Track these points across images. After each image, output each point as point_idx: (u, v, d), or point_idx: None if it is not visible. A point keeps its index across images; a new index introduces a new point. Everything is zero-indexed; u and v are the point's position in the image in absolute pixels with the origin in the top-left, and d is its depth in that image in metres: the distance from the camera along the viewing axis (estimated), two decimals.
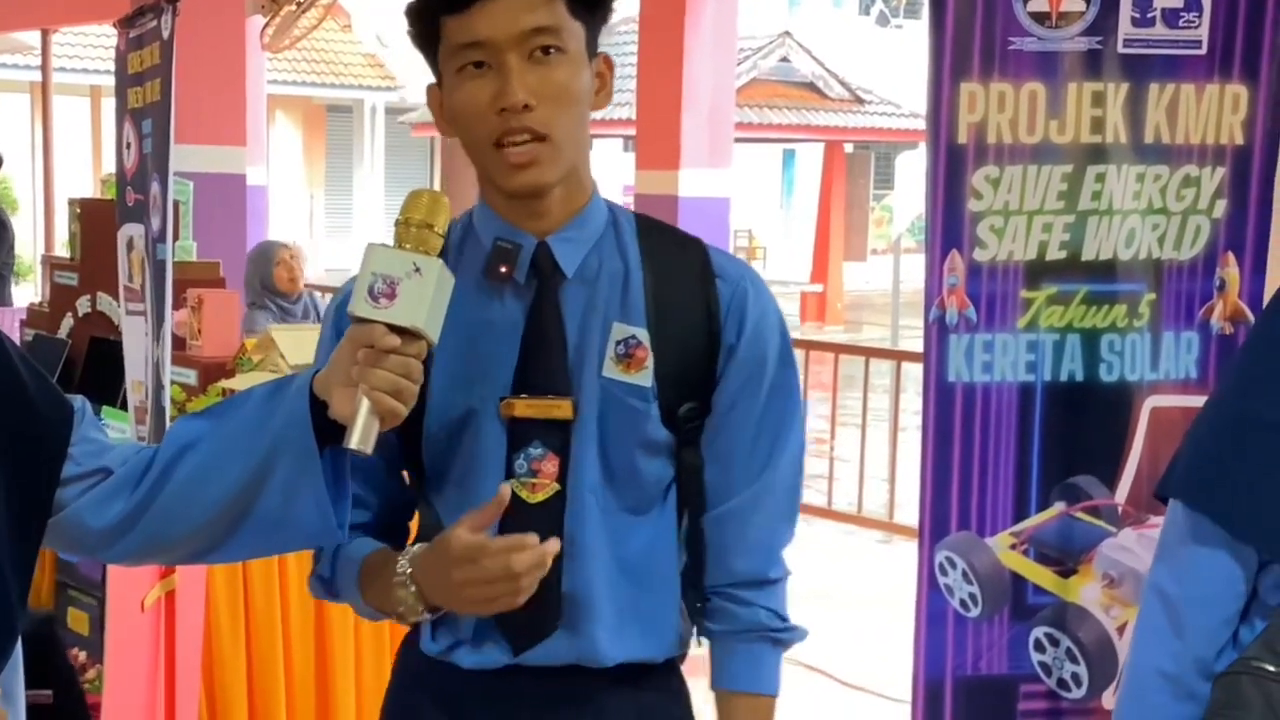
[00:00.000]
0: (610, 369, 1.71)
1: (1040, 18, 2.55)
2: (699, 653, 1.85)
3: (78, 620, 3.90)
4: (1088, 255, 2.62)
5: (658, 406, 1.71)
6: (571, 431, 1.70)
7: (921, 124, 2.82)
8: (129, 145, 3.91)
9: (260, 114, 10.65)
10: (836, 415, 8.58)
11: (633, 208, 2.07)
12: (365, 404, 1.47)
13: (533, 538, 1.59)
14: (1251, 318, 2.63)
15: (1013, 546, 2.67)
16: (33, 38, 12.22)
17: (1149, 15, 2.56)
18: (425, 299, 1.47)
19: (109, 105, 5.68)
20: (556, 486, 1.70)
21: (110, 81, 4.56)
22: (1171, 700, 1.84)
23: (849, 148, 22.45)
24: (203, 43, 7.26)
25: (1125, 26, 2.57)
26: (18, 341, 3.82)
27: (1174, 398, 2.66)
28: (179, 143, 3.72)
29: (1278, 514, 1.76)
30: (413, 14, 1.71)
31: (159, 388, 3.62)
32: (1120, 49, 2.57)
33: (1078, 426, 2.66)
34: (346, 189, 23.23)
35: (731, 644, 1.81)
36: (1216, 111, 2.61)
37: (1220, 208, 2.64)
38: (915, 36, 21.43)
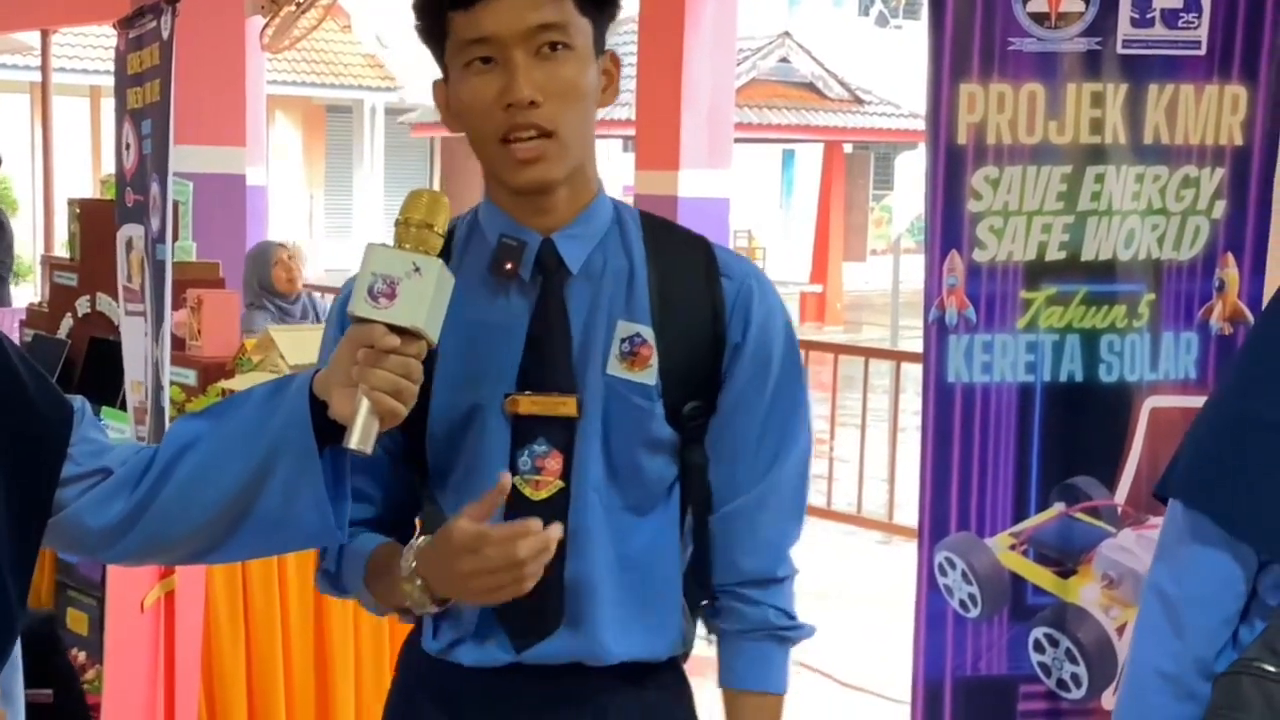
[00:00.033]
0: (615, 367, 1.71)
1: (1039, 18, 2.55)
2: (702, 653, 1.85)
3: (77, 620, 3.91)
4: (1087, 256, 2.62)
5: (662, 405, 1.71)
6: (576, 429, 1.69)
7: (921, 124, 2.83)
8: (128, 146, 3.91)
9: (260, 114, 10.65)
10: (836, 415, 8.58)
11: None
12: (365, 404, 1.47)
13: (536, 523, 1.58)
14: (1251, 318, 2.63)
15: (1012, 547, 2.67)
16: (32, 38, 12.22)
17: (1148, 16, 2.57)
18: (425, 299, 1.47)
19: (109, 105, 5.68)
20: (560, 484, 1.69)
21: (110, 82, 4.56)
22: (1171, 700, 1.84)
23: (848, 148, 22.45)
24: (202, 43, 7.26)
25: (1124, 27, 2.57)
26: (17, 342, 3.82)
27: (1173, 398, 2.66)
28: (178, 143, 3.72)
29: (1277, 514, 1.76)
30: (420, 9, 1.70)
31: (158, 388, 3.62)
32: (1119, 49, 2.57)
33: (1077, 427, 2.66)
34: (346, 189, 23.22)
35: (739, 643, 1.81)
36: (1216, 112, 2.61)
37: (1219, 208, 2.64)
38: (915, 37, 21.43)
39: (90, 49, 18.08)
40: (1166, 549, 1.87)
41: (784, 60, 19.22)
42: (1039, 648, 2.69)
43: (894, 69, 20.98)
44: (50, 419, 1.56)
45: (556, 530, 1.59)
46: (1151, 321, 2.66)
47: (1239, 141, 2.62)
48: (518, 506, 1.66)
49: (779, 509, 1.79)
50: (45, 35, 11.40)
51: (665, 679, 1.80)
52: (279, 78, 18.69)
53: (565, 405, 1.69)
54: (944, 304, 2.61)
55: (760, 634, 1.80)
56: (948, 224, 2.60)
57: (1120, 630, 2.64)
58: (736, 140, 9.13)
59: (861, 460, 7.72)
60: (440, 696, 1.77)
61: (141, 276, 3.79)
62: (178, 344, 4.42)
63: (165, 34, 3.60)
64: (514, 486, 1.67)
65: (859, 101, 20.05)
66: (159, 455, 1.58)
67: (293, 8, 9.17)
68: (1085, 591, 2.67)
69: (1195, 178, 2.62)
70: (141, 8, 3.82)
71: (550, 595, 1.69)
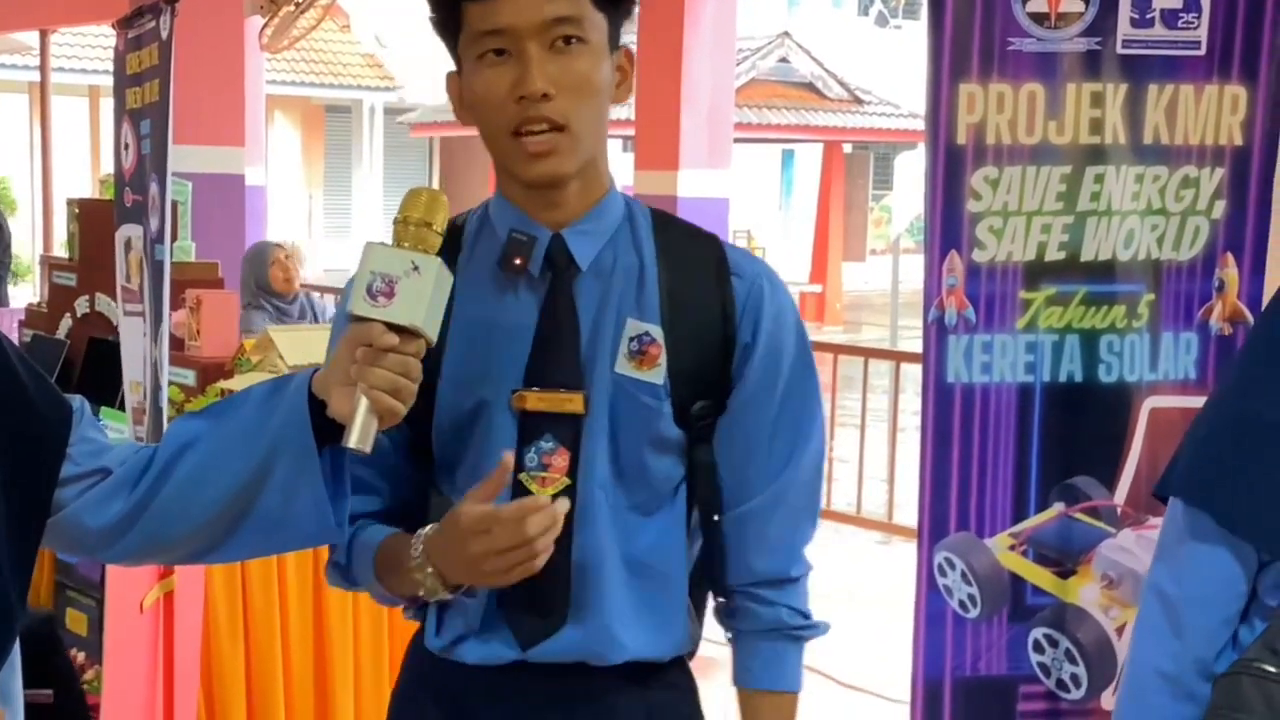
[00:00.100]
0: (623, 365, 1.70)
1: (1039, 18, 2.55)
2: (707, 652, 1.85)
3: (76, 621, 3.90)
4: (1087, 256, 2.62)
5: (670, 404, 1.70)
6: (583, 426, 1.69)
7: (920, 124, 2.82)
8: (127, 146, 3.91)
9: (259, 114, 10.64)
10: (835, 416, 8.57)
11: None
12: (364, 403, 1.46)
13: (543, 498, 1.58)
14: (1250, 318, 2.63)
15: (1012, 547, 2.67)
16: (31, 38, 12.21)
17: (1148, 16, 2.56)
18: (424, 297, 1.47)
19: (108, 105, 5.67)
20: (567, 481, 1.69)
21: (109, 82, 4.56)
22: (1171, 701, 1.84)
23: (848, 148, 22.45)
24: (201, 43, 7.26)
25: (1124, 27, 2.57)
26: (16, 342, 3.82)
27: (1173, 398, 2.66)
28: (177, 143, 3.72)
29: (1278, 512, 1.76)
30: (434, 0, 1.70)
31: (157, 388, 3.62)
32: (1119, 50, 2.57)
33: (1076, 427, 2.66)
34: (345, 189, 23.21)
35: (754, 642, 1.81)
36: (1215, 112, 2.61)
37: (1219, 208, 2.64)
38: (914, 37, 21.43)
39: (89, 49, 18.07)
40: (1166, 549, 1.87)
41: (783, 60, 19.21)
42: (1038, 648, 2.69)
43: (893, 69, 20.98)
44: (49, 419, 1.55)
45: (563, 505, 1.59)
46: (1151, 322, 2.66)
47: (1239, 141, 2.62)
48: None
49: (792, 509, 1.78)
50: (44, 35, 11.40)
51: (671, 678, 1.79)
52: (278, 78, 18.68)
53: (572, 402, 1.68)
54: (943, 304, 2.61)
55: (775, 633, 1.79)
56: (947, 224, 2.60)
57: (1120, 630, 2.64)
58: (736, 140, 9.13)
59: (861, 460, 7.72)
60: (444, 695, 1.76)
61: (140, 277, 3.79)
62: (176, 344, 4.42)
63: (164, 34, 3.60)
64: (521, 483, 1.67)
65: (858, 101, 20.05)
66: (158, 455, 1.58)
67: (291, 7, 9.16)
68: (1085, 592, 2.67)
69: (1195, 178, 2.62)
70: (140, 8, 3.82)
71: (556, 593, 1.69)
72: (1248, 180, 2.63)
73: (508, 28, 1.62)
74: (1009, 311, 2.62)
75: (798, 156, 24.52)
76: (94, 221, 5.16)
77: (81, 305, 5.37)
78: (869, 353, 8.68)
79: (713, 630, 1.85)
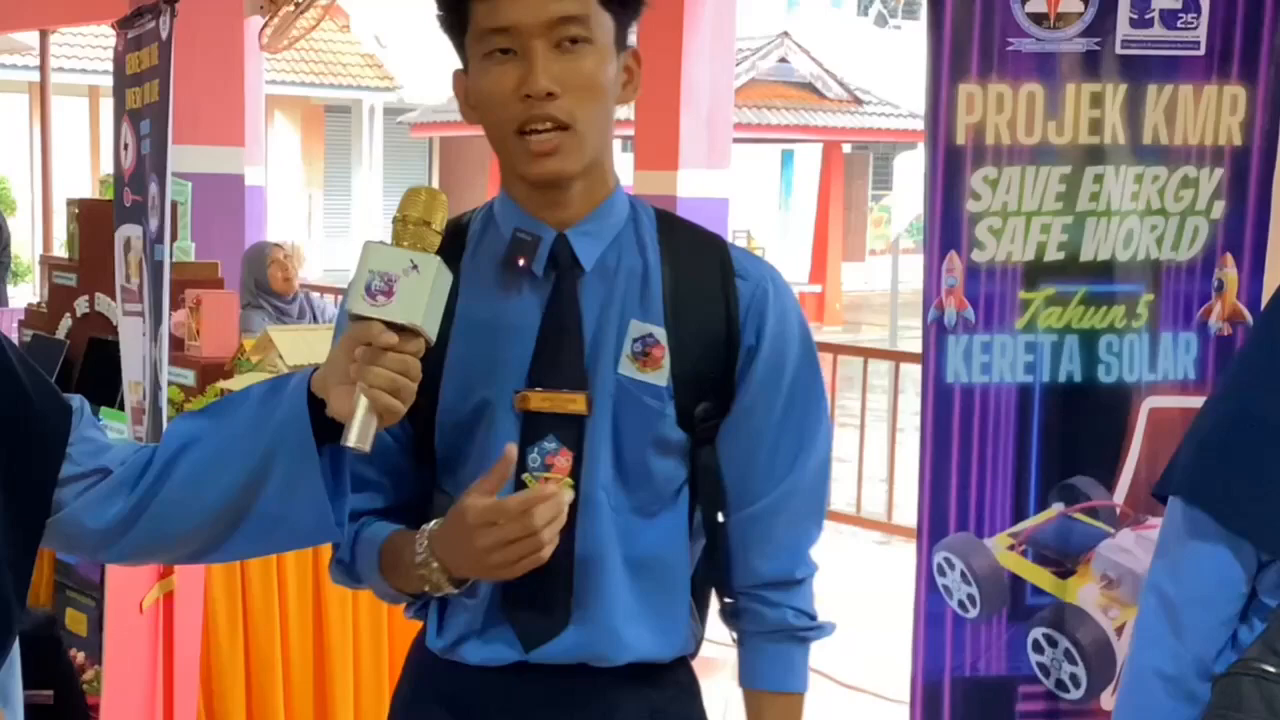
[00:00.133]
0: (626, 367, 1.69)
1: (1038, 18, 2.55)
2: (708, 652, 1.85)
3: (76, 621, 3.90)
4: (1086, 256, 2.62)
5: (673, 406, 1.70)
6: (586, 426, 1.69)
7: (920, 124, 2.82)
8: (127, 146, 3.91)
9: (258, 114, 10.65)
10: (835, 416, 8.54)
11: None
12: (363, 402, 1.46)
13: (549, 488, 1.58)
14: (1250, 319, 2.63)
15: (1011, 547, 2.67)
16: (31, 38, 12.22)
17: (1147, 16, 2.56)
18: (423, 296, 1.47)
19: (107, 105, 5.67)
20: (570, 482, 1.68)
21: (109, 81, 4.56)
22: (1170, 701, 1.84)
23: (847, 148, 22.45)
24: (201, 43, 7.26)
25: (1123, 27, 2.57)
26: (16, 342, 3.82)
27: (1172, 399, 2.66)
28: (177, 143, 3.72)
29: (1274, 509, 1.76)
30: None
31: (156, 388, 3.62)
32: (1118, 50, 2.57)
33: (1076, 427, 2.66)
34: (345, 189, 23.21)
35: (759, 644, 1.80)
36: (1215, 112, 2.61)
37: (1218, 208, 2.64)
38: (914, 37, 21.42)
39: (89, 49, 18.07)
40: (1166, 549, 1.87)
41: (783, 60, 19.21)
42: (1038, 648, 2.69)
43: (893, 69, 20.98)
44: (49, 419, 1.55)
45: (568, 494, 1.59)
46: (1150, 322, 2.66)
47: (1238, 142, 2.62)
48: None
49: (797, 512, 1.78)
50: (44, 35, 11.40)
51: (674, 678, 1.79)
52: (278, 78, 18.67)
53: (575, 403, 1.68)
54: (943, 304, 2.61)
55: (780, 635, 1.79)
56: (946, 224, 2.60)
57: (1119, 631, 2.64)
58: (735, 140, 9.12)
59: (860, 461, 7.72)
60: (445, 696, 1.76)
61: (140, 277, 3.79)
62: (176, 344, 4.42)
63: (164, 34, 3.60)
64: (523, 484, 1.67)
65: (858, 102, 20.05)
66: (157, 455, 1.57)
67: (291, 7, 9.16)
68: (1084, 592, 2.67)
69: (1194, 178, 2.62)
70: (140, 8, 3.82)
71: (558, 595, 1.69)
72: (1247, 180, 2.63)
73: (513, 26, 1.62)
74: (1008, 312, 2.62)
75: (797, 157, 24.52)
76: (94, 221, 5.16)
77: (81, 305, 5.37)
78: (868, 353, 8.68)
79: (713, 630, 1.85)
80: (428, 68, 19.85)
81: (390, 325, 1.46)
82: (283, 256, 6.22)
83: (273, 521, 1.56)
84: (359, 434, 1.46)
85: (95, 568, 3.63)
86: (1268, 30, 2.58)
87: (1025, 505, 2.67)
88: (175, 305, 4.13)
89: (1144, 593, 1.90)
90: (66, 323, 5.45)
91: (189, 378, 4.46)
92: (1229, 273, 2.66)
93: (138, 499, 1.56)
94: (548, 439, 1.68)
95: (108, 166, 4.95)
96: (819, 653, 1.85)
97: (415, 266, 1.47)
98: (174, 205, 4.13)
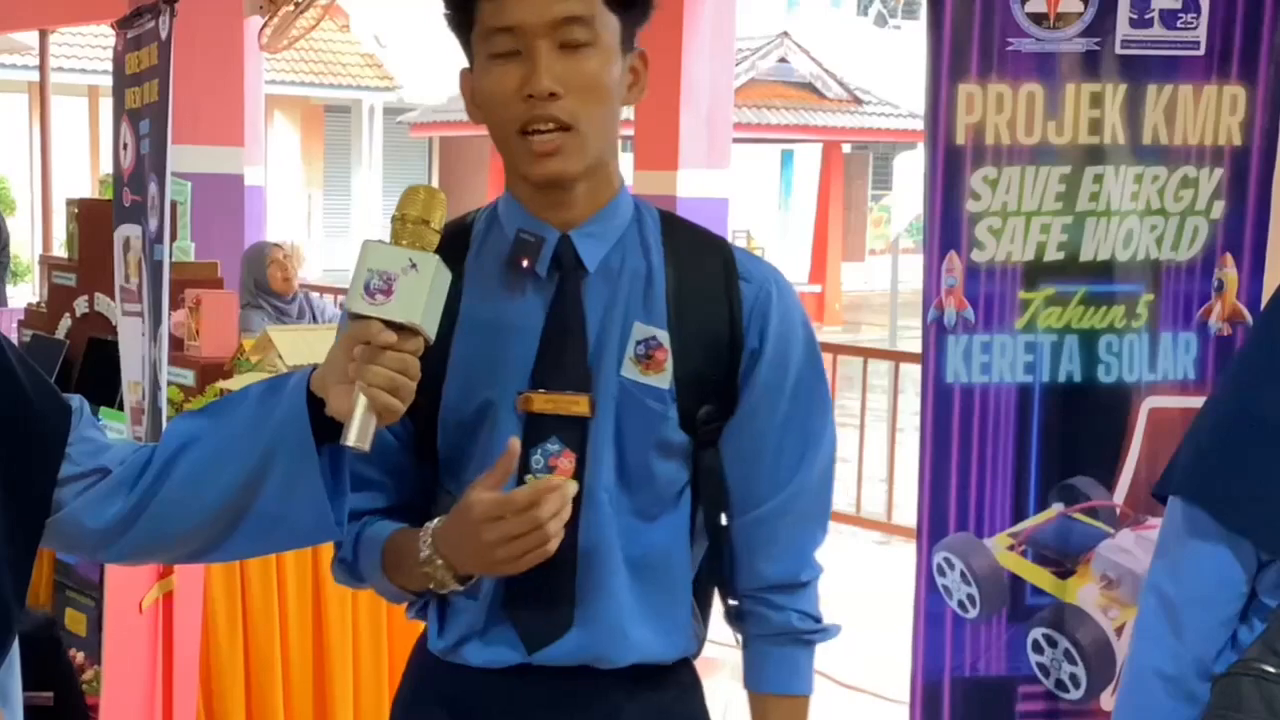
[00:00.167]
0: (629, 369, 1.69)
1: (1038, 18, 2.55)
2: (707, 653, 1.85)
3: (75, 621, 3.90)
4: (1086, 256, 2.62)
5: (676, 409, 1.70)
6: (589, 428, 1.68)
7: (920, 124, 2.82)
8: (126, 146, 3.91)
9: (258, 114, 10.64)
10: (835, 416, 8.55)
11: None
12: (362, 401, 1.46)
13: (556, 479, 1.58)
14: (1249, 319, 2.63)
15: (1011, 547, 2.67)
16: (30, 38, 12.21)
17: (1147, 16, 2.56)
18: (422, 295, 1.47)
19: (107, 105, 5.67)
20: (573, 484, 1.68)
21: (108, 81, 4.56)
22: (1170, 701, 1.84)
23: (847, 148, 22.45)
24: (200, 43, 7.26)
25: (1123, 27, 2.57)
26: (15, 342, 3.81)
27: (1172, 399, 2.66)
28: (177, 143, 3.72)
29: (1274, 508, 1.76)
30: None
31: (156, 388, 3.62)
32: (1118, 50, 2.57)
33: (1076, 427, 2.66)
34: (344, 189, 23.20)
35: (764, 647, 1.80)
36: (1214, 112, 2.61)
37: (1218, 208, 2.64)
38: (913, 37, 21.42)
39: (88, 49, 18.07)
40: (1166, 549, 1.87)
41: (783, 60, 19.21)
42: (1037, 648, 2.69)
43: (893, 69, 20.98)
44: (48, 419, 1.55)
45: (572, 487, 1.58)
46: (1150, 322, 2.66)
47: (1238, 141, 2.62)
48: None
49: (802, 515, 1.78)
50: (43, 35, 11.39)
51: (676, 678, 1.79)
52: (277, 77, 18.67)
53: (579, 404, 1.67)
54: (943, 304, 2.61)
55: (785, 638, 1.79)
56: (946, 224, 2.60)
57: (1119, 631, 2.64)
58: (735, 140, 9.12)
59: (860, 461, 7.72)
60: (447, 697, 1.76)
61: (139, 277, 3.79)
62: (176, 344, 4.42)
63: (163, 34, 3.60)
64: (526, 484, 1.66)
65: (858, 102, 20.05)
66: (157, 454, 1.57)
67: (291, 7, 9.16)
68: (1084, 592, 2.67)
69: (1194, 178, 2.62)
70: (139, 8, 3.82)
71: (561, 597, 1.69)
72: (1247, 180, 2.63)
73: (518, 25, 1.62)
74: (1008, 312, 2.62)
75: (797, 156, 24.52)
76: (93, 221, 5.16)
77: (81, 305, 5.37)
78: (868, 353, 8.68)
79: (713, 630, 1.85)
80: (427, 67, 19.85)
81: (389, 324, 1.46)
82: (282, 256, 6.22)
83: (272, 521, 1.56)
84: (358, 433, 1.46)
85: (95, 568, 3.63)
86: (1267, 30, 2.58)
87: (1025, 505, 2.67)
88: (175, 305, 4.13)
89: (1144, 593, 1.90)
90: (66, 323, 5.44)
91: (188, 378, 4.46)
92: (1229, 273, 2.66)
93: (137, 499, 1.56)
94: (551, 440, 1.68)
95: (107, 166, 4.95)
96: (819, 653, 1.84)
97: (414, 265, 1.47)
98: (173, 205, 4.13)
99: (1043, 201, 2.60)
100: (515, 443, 1.59)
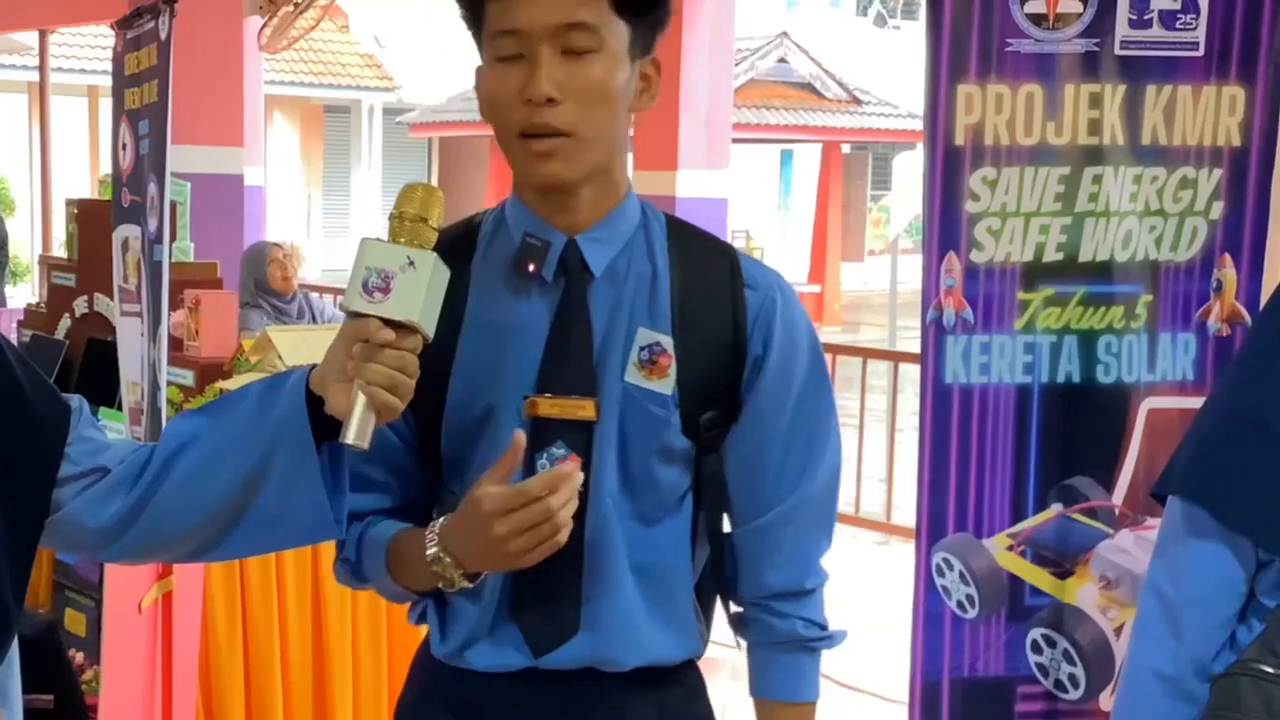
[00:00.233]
0: (633, 374, 1.69)
1: (1037, 19, 2.55)
2: (709, 653, 1.85)
3: (75, 621, 3.90)
4: (1085, 257, 2.63)
5: (678, 414, 1.69)
6: (594, 433, 1.68)
7: (919, 125, 2.83)
8: (125, 146, 3.91)
9: (258, 114, 10.64)
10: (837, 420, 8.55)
11: None
12: (361, 399, 1.46)
13: (567, 465, 1.59)
14: (1249, 319, 2.64)
15: (1010, 548, 2.68)
16: (30, 38, 12.22)
17: (1146, 17, 2.57)
18: (420, 293, 1.47)
19: (106, 105, 5.68)
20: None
21: (108, 82, 4.56)
22: (1169, 701, 1.84)
23: (846, 148, 22.45)
24: (200, 43, 7.26)
25: (1122, 28, 2.57)
26: (15, 342, 3.81)
27: (1171, 399, 2.66)
28: (176, 143, 3.72)
29: (1274, 507, 1.76)
30: None
31: (155, 389, 3.62)
32: (1117, 50, 2.57)
33: (1075, 428, 2.66)
34: (344, 189, 23.20)
35: (769, 655, 1.80)
36: (1214, 113, 2.61)
37: (1217, 209, 2.64)
38: (913, 37, 21.42)
39: (88, 49, 18.06)
40: (1165, 549, 1.87)
41: (782, 60, 19.21)
42: (1036, 648, 2.69)
43: (892, 69, 20.98)
44: (47, 419, 1.55)
45: (580, 476, 1.58)
46: (1149, 322, 2.66)
47: (1237, 142, 2.62)
48: None
49: (805, 524, 1.77)
50: (43, 35, 11.40)
51: (681, 679, 1.79)
52: (277, 78, 18.66)
53: (584, 409, 1.67)
54: (942, 305, 2.61)
55: (790, 645, 1.79)
56: (945, 225, 2.60)
57: (1118, 631, 2.65)
58: (734, 140, 9.12)
59: (859, 461, 7.72)
60: (451, 699, 1.75)
61: (138, 277, 3.79)
62: (175, 344, 4.42)
63: (163, 35, 3.60)
64: (537, 475, 1.66)
65: (857, 102, 20.05)
66: (156, 453, 1.57)
67: (291, 8, 9.16)
68: (1083, 592, 2.67)
69: (1193, 178, 2.62)
70: (139, 8, 3.82)
71: (568, 601, 1.69)
72: (1246, 181, 2.63)
73: (522, 29, 1.61)
74: (1007, 312, 2.62)
75: (796, 157, 24.51)
76: (93, 222, 5.16)
77: (80, 305, 5.37)
78: (867, 353, 8.68)
79: (715, 630, 1.85)
80: (427, 68, 19.86)
81: (388, 322, 1.46)
82: (282, 256, 6.22)
83: (272, 519, 1.56)
84: (357, 431, 1.46)
85: (94, 568, 3.63)
86: (1266, 31, 2.59)
87: (1024, 506, 2.67)
88: (174, 305, 4.13)
89: (1143, 593, 1.91)
90: (65, 323, 5.45)
91: (188, 378, 4.46)
92: (1228, 273, 2.66)
93: (136, 498, 1.56)
94: (557, 445, 1.67)
95: (107, 167, 4.96)
96: None
97: (412, 263, 1.47)
98: (173, 205, 4.13)
99: (1042, 202, 2.60)
100: (521, 436, 1.58)
